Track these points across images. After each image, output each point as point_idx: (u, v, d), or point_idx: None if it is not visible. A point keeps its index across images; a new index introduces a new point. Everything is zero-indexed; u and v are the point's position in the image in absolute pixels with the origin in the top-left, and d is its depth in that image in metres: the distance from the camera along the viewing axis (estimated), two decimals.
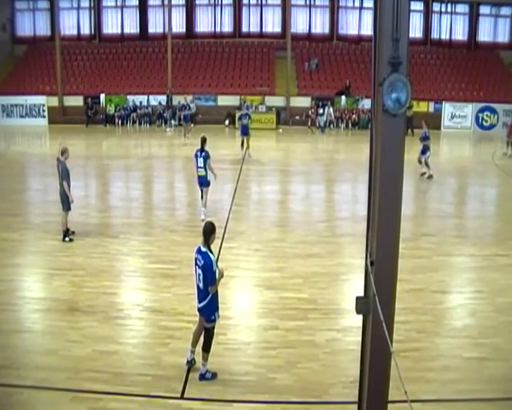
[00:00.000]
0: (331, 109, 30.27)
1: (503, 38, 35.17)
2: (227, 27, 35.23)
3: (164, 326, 8.39)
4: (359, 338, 5.22)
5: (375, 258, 4.66)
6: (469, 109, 30.97)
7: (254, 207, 15.19)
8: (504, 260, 11.71)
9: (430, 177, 18.50)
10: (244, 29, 35.21)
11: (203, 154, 13.13)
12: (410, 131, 26.88)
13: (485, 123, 30.60)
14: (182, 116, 27.15)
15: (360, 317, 5.07)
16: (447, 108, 31.02)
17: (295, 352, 7.74)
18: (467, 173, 21.38)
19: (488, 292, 10.14)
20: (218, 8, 35.00)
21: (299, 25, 34.91)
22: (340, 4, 34.80)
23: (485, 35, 35.22)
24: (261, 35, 35.14)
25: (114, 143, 27.61)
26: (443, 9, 34.80)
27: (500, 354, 8.07)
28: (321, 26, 35.28)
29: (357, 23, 34.75)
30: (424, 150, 18.56)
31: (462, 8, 35.01)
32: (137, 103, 31.71)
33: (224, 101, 31.27)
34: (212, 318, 7.03)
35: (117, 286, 9.98)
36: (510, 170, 19.98)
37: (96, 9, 35.20)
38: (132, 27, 35.59)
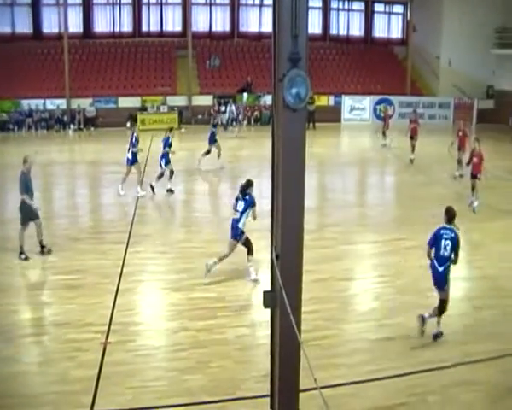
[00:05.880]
0: (233, 107, 30.47)
1: (396, 34, 37.16)
2: (126, 27, 34.38)
3: (70, 339, 8.02)
4: (269, 332, 5.26)
5: (281, 251, 4.72)
6: (367, 102, 32.33)
7: (159, 209, 14.92)
8: (403, 243, 12.35)
9: (170, 191, 15.98)
10: (144, 28, 34.53)
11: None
12: (311, 125, 27.71)
13: (382, 114, 32.00)
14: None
15: (269, 311, 5.11)
16: (346, 102, 32.18)
17: (206, 351, 7.71)
18: (366, 163, 22.28)
19: (390, 276, 10.66)
20: (117, 7, 34.05)
21: (200, 23, 34.76)
22: (241, 2, 35.07)
23: (379, 31, 37.03)
24: (161, 34, 34.63)
25: (8, 150, 26.03)
26: (340, 6, 36.15)
27: (403, 332, 8.51)
28: (221, 23, 35.38)
29: (258, 20, 35.19)
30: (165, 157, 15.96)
31: (358, 5, 36.57)
32: (33, 107, 30.12)
33: (125, 102, 30.51)
34: None
35: (19, 303, 9.38)
36: (405, 158, 21.02)
37: None
38: (25, 26, 33.74)
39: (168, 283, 10.00)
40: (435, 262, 8.12)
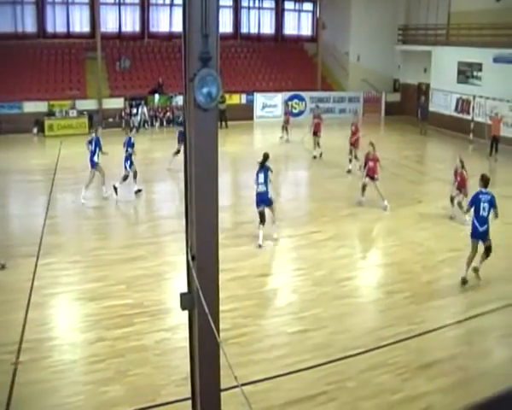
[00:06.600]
0: (145, 109, 30.00)
1: (306, 31, 38.05)
2: (30, 27, 32.78)
3: None
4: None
5: (196, 252, 4.69)
6: (279, 98, 32.81)
7: (71, 218, 14.23)
8: (318, 236, 12.71)
9: (139, 191, 15.94)
10: (49, 29, 33.05)
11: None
12: (224, 123, 27.86)
13: (294, 110, 32.58)
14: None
15: (187, 313, 5.09)
16: (259, 99, 32.49)
17: (125, 360, 7.57)
18: (279, 159, 22.40)
19: (307, 268, 10.93)
20: (19, 6, 32.37)
21: (109, 23, 33.79)
22: (151, 2, 34.41)
23: (290, 29, 37.75)
24: (68, 35, 33.30)
25: None
26: (251, 4, 36.48)
27: (320, 323, 8.78)
28: (131, 24, 34.59)
29: (168, 20, 34.75)
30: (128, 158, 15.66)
31: (268, 3, 36.98)
32: None
33: (31, 107, 29.13)
34: None
35: None
36: (311, 152, 21.54)
37: None
38: None
39: (82, 293, 9.68)
40: (476, 222, 9.67)
